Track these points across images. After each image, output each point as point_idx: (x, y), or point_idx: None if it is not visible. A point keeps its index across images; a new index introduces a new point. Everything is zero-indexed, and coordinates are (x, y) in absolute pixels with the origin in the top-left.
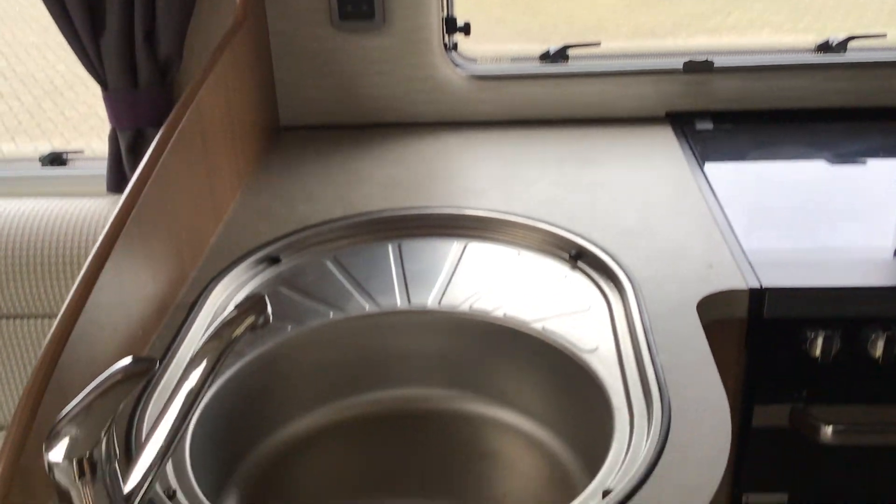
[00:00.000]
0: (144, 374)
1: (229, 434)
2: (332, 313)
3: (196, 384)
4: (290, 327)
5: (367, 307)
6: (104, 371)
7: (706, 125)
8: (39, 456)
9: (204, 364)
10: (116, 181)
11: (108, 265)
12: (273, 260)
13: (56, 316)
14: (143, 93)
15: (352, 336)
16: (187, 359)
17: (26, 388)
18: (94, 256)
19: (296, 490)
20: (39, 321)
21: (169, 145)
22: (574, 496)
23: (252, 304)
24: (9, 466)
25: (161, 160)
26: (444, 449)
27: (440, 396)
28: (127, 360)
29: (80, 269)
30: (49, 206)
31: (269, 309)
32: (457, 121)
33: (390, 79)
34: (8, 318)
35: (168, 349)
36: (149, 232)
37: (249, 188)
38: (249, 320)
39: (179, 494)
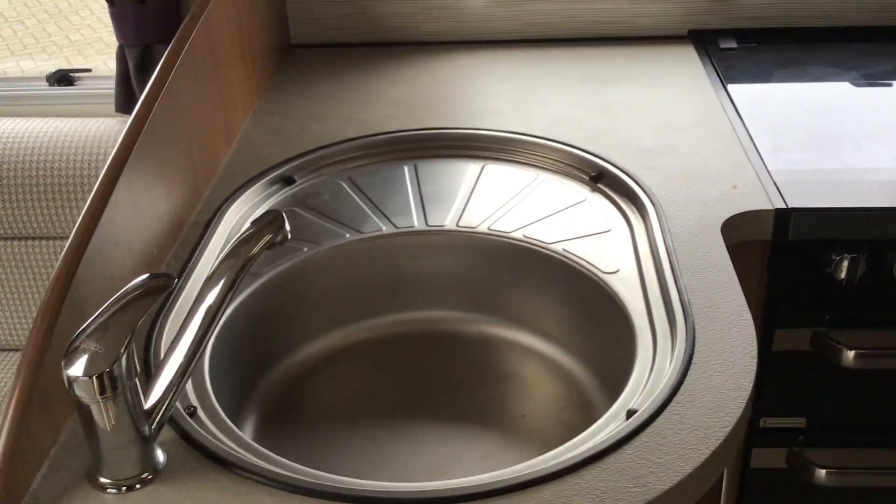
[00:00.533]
0: (162, 290)
1: (247, 354)
2: (348, 234)
3: (215, 301)
4: (305, 248)
5: (384, 228)
6: (121, 288)
7: (730, 44)
8: (57, 373)
9: (223, 281)
10: (125, 100)
11: (121, 181)
12: (287, 180)
13: (64, 238)
14: (150, 7)
15: (369, 256)
16: (205, 277)
17: (42, 304)
18: (107, 172)
19: (313, 410)
20: (48, 242)
21: (179, 61)
22: (594, 418)
23: (270, 221)
24: (27, 384)
25: (171, 76)
26: (462, 371)
27: (458, 318)
28: (144, 277)
29: (90, 190)
30: (57, 126)
31: (287, 225)
32: (472, 39)
33: None
34: (16, 239)
35: (184, 268)
36: (161, 149)
37: (261, 107)
38: (267, 237)
39: (200, 412)
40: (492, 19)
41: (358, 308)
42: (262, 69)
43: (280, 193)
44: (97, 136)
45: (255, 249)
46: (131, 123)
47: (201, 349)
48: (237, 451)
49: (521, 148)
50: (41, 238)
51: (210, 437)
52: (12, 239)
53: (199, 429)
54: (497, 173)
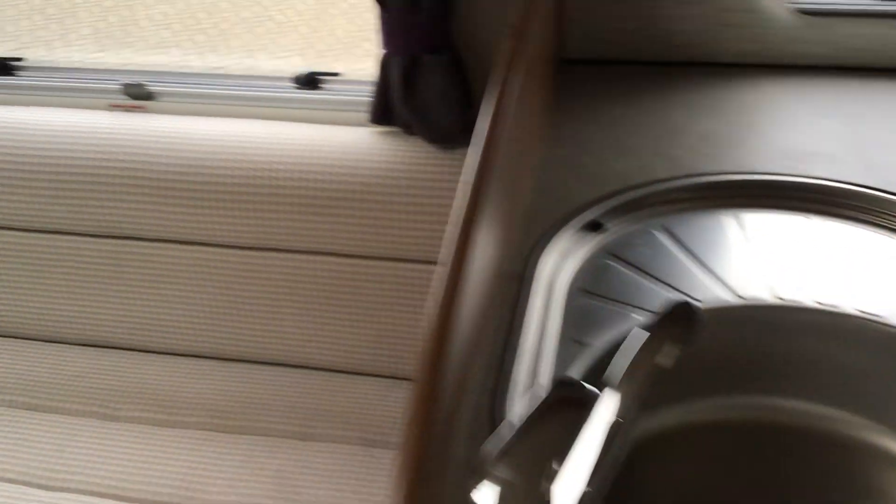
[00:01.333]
0: (588, 407)
1: None
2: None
3: (620, 418)
4: (633, 314)
5: (720, 293)
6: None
7: None
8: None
9: (626, 393)
10: (381, 112)
11: (477, 222)
12: (594, 225)
13: (310, 252)
14: (423, 14)
15: (710, 328)
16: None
17: (426, 349)
18: (470, 199)
19: (642, 496)
20: (293, 256)
21: (508, 78)
22: None
23: (678, 319)
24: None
25: (505, 96)
26: (815, 475)
27: (817, 414)
28: (555, 385)
29: (332, 205)
30: (305, 133)
31: (700, 319)
32: (780, 63)
33: (699, 8)
34: (260, 250)
35: (509, 331)
36: (497, 185)
37: (551, 135)
38: (676, 338)
39: None
40: (799, 41)
41: (695, 386)
42: (546, 90)
43: (589, 241)
44: (348, 147)
45: (665, 357)
46: (482, 153)
47: (604, 473)
48: None
49: (872, 205)
50: (288, 251)
51: None
52: (261, 249)
53: None
54: (844, 235)
